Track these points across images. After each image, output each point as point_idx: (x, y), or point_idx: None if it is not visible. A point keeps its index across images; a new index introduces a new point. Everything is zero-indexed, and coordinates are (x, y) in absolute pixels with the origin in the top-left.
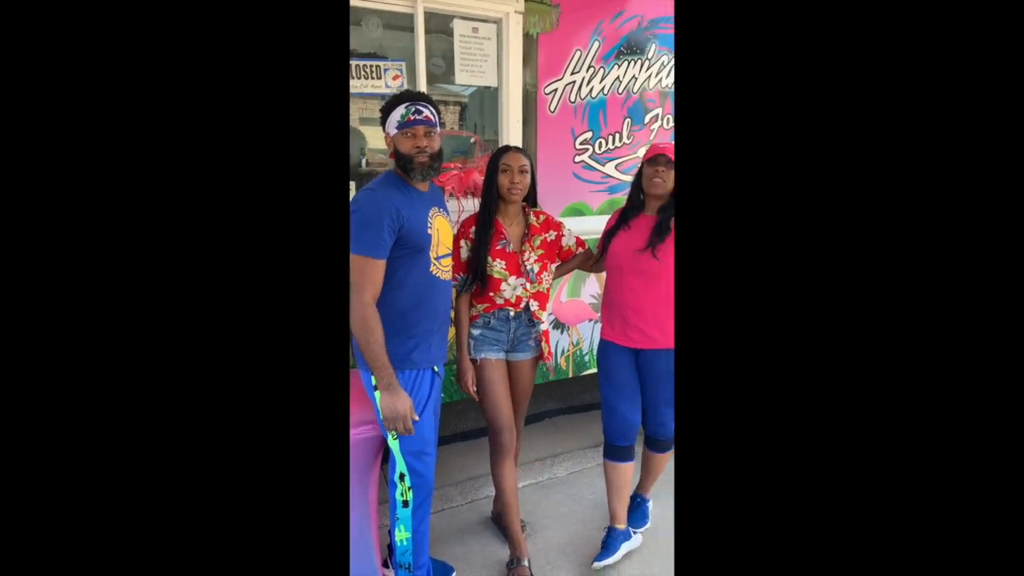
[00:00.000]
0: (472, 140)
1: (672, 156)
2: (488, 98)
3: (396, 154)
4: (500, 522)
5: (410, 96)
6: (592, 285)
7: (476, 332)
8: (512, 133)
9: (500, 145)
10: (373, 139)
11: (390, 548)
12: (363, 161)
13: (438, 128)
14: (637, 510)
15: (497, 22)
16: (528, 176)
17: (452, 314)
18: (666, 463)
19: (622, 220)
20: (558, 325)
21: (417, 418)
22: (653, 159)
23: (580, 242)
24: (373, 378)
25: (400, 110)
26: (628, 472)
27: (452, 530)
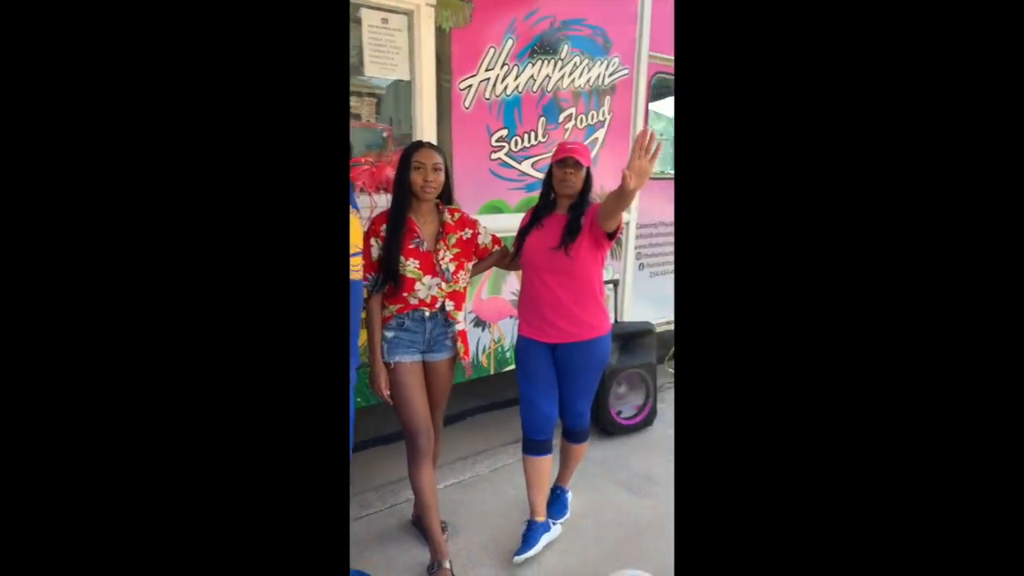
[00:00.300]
0: (384, 134)
1: (581, 158)
2: (404, 91)
3: None
4: (421, 525)
5: None
6: (512, 283)
7: (389, 334)
8: (426, 129)
9: (414, 140)
10: None
11: None
12: None
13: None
14: (557, 502)
15: (408, 14)
16: (442, 174)
17: (363, 315)
18: (583, 454)
19: (535, 219)
20: (479, 323)
21: None
22: (562, 161)
23: (496, 240)
24: None
25: None
26: (546, 465)
27: (372, 536)
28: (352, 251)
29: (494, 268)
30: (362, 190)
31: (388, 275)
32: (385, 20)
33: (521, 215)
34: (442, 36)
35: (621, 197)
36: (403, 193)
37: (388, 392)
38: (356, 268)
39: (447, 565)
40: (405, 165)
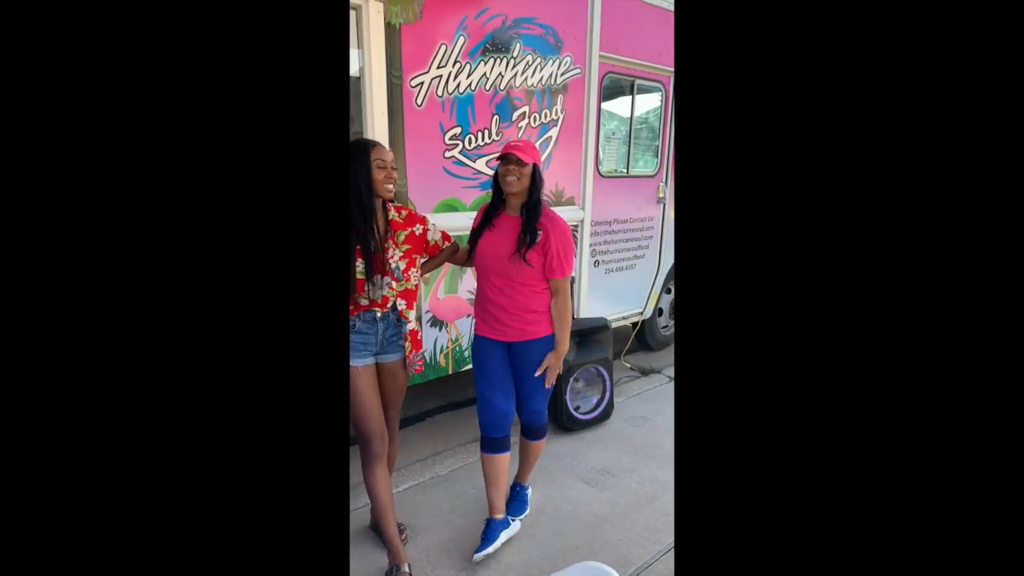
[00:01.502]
0: None
1: (523, 155)
2: (354, 88)
3: None
4: (379, 530)
5: None
6: (469, 281)
7: None
8: (377, 126)
9: (361, 138)
10: None
11: None
12: None
13: None
14: (517, 498)
15: (356, 8)
16: (395, 172)
17: None
18: (542, 450)
19: (486, 219)
20: (436, 322)
21: None
22: (504, 157)
23: (446, 236)
24: None
25: None
26: (504, 463)
27: None
28: None
29: (450, 266)
30: None
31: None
32: None
33: (476, 213)
34: (392, 32)
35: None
36: (364, 189)
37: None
38: None
39: (406, 568)
40: (365, 164)
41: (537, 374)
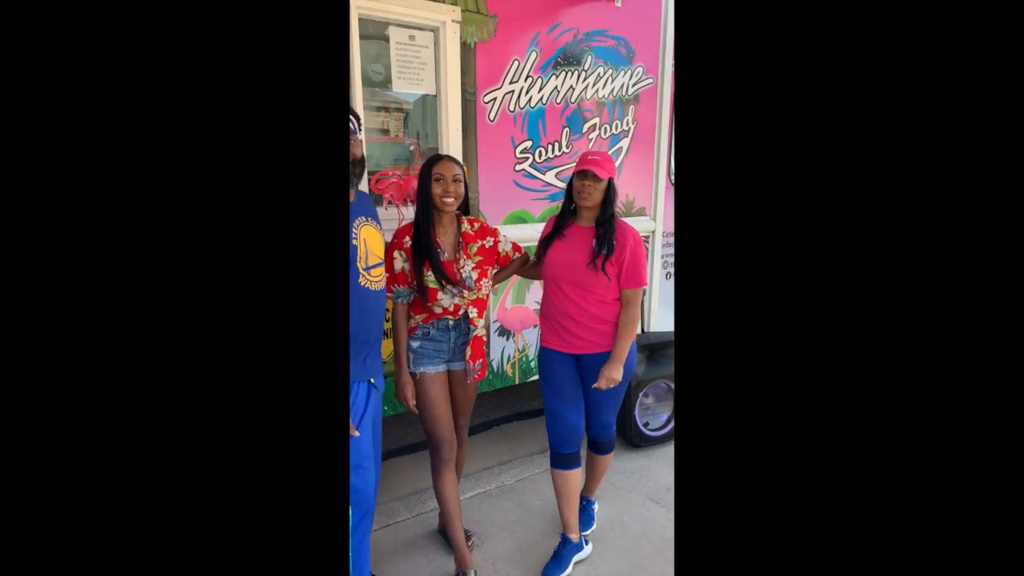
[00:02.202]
0: (411, 147)
1: (599, 171)
2: (431, 105)
3: None
4: (446, 534)
5: None
6: (536, 292)
7: (415, 344)
8: (452, 141)
9: (438, 153)
10: None
11: None
12: None
13: (359, 135)
14: (584, 513)
15: (434, 30)
16: (462, 185)
17: (387, 326)
18: (609, 465)
19: (556, 230)
20: (504, 332)
21: (357, 433)
22: (582, 173)
23: (516, 247)
24: None
25: None
26: (576, 479)
27: (398, 545)
28: (374, 262)
29: (518, 278)
30: (390, 202)
31: (417, 286)
32: (412, 37)
33: (544, 224)
34: (467, 51)
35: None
36: (426, 203)
37: (414, 402)
38: (378, 279)
39: (472, 574)
40: (426, 177)
41: (595, 386)
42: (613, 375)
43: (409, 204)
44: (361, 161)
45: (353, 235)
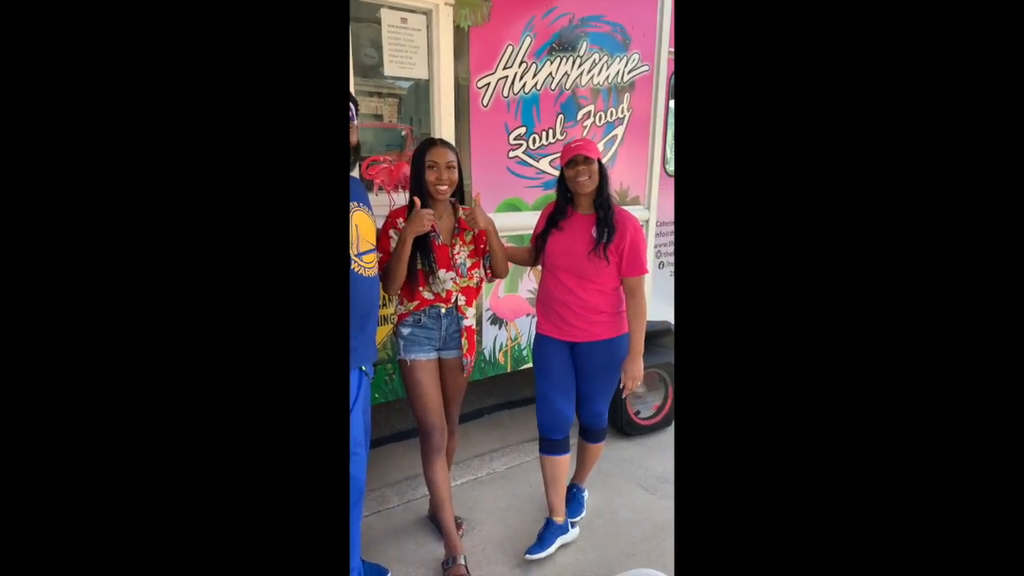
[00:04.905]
0: (403, 133)
1: (589, 152)
2: (424, 91)
3: None
4: (436, 521)
5: None
6: (529, 281)
7: (406, 331)
8: (444, 127)
9: (431, 137)
10: None
11: None
12: None
13: (355, 122)
14: (573, 500)
15: (427, 13)
16: (456, 171)
17: (381, 312)
18: (600, 453)
19: (551, 221)
20: (496, 320)
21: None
22: (571, 161)
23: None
24: None
25: None
26: (564, 464)
27: (388, 531)
28: (366, 248)
29: (512, 265)
30: (380, 188)
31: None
32: (404, 20)
33: (538, 213)
34: (460, 35)
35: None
36: (419, 190)
37: (430, 215)
38: (370, 265)
39: (461, 561)
40: (419, 164)
41: (621, 387)
42: (636, 373)
43: (400, 190)
44: (356, 148)
45: None
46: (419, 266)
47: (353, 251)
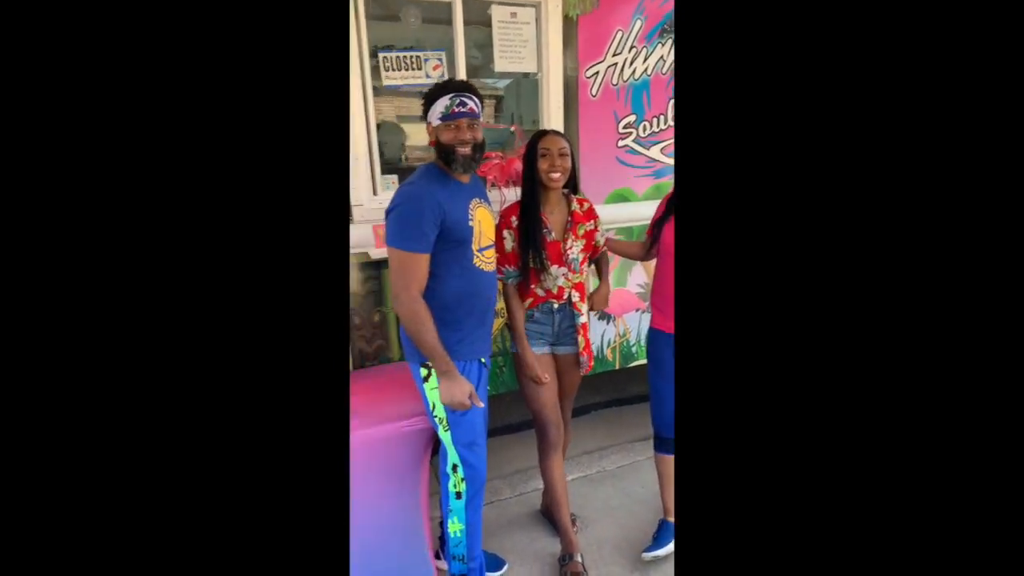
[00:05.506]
0: (512, 130)
1: None
2: (525, 88)
3: (438, 145)
4: (549, 516)
5: (454, 86)
6: (638, 275)
7: None
8: (553, 119)
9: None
10: (413, 136)
11: (441, 539)
12: (403, 157)
13: (481, 119)
14: (663, 532)
15: (536, 6)
16: (569, 159)
17: (497, 307)
18: None
19: (672, 207)
20: (604, 316)
21: (480, 404)
22: None
23: (607, 240)
24: (422, 370)
25: (444, 101)
26: None
27: (501, 523)
28: (485, 244)
29: (619, 260)
30: (492, 184)
31: (523, 266)
32: (514, 14)
33: (649, 203)
34: (569, 24)
35: None
36: (532, 183)
37: (547, 375)
38: (490, 260)
39: (579, 558)
40: (532, 154)
41: None
42: None
43: (512, 186)
44: (482, 145)
45: (469, 216)
46: (531, 264)
47: (475, 246)
